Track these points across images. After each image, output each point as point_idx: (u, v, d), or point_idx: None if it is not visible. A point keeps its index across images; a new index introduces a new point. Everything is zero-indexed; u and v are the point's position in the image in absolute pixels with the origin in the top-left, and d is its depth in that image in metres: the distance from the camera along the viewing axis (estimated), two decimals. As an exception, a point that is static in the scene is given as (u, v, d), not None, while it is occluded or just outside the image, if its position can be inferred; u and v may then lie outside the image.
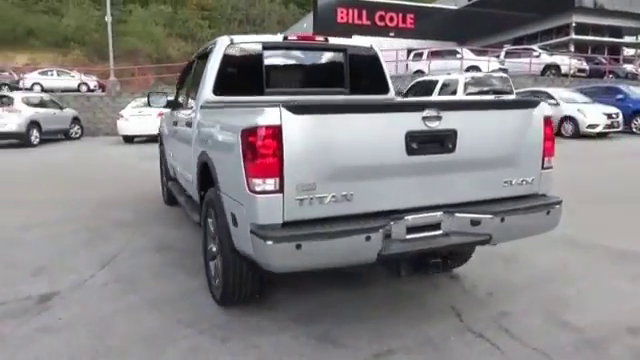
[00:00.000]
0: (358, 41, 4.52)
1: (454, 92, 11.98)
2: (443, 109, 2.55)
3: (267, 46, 3.89)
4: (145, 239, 4.72)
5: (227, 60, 3.74)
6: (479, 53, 22.30)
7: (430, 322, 2.99)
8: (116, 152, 13.43)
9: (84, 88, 22.98)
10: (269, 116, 2.27)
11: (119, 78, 23.69)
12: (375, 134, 2.45)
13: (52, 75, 24.73)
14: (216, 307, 3.18)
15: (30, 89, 21.36)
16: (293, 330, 2.90)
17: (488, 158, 2.74)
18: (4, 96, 14.01)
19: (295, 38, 4.04)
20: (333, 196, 2.39)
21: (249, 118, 2.42)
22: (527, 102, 2.98)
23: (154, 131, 8.62)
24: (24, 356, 2.65)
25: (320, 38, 4.10)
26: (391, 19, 29.93)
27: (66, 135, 16.37)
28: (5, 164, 11.35)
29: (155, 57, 47.77)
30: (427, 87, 13.12)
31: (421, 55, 22.81)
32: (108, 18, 21.82)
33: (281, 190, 2.30)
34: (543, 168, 2.93)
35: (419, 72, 20.80)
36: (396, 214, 2.54)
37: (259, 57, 3.84)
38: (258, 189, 2.30)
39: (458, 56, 21.14)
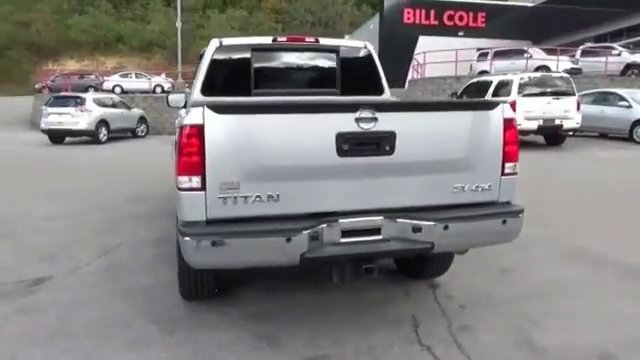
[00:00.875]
0: (352, 41, 4.46)
1: (509, 93, 11.40)
2: (380, 110, 2.47)
3: (256, 48, 3.95)
4: (149, 232, 4.95)
5: (216, 62, 3.84)
6: (550, 52, 20.98)
7: (382, 331, 2.91)
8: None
9: (158, 90, 24.35)
10: (193, 116, 2.32)
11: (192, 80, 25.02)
12: (302, 134, 2.42)
13: (131, 77, 26.45)
14: (181, 301, 3.27)
15: (112, 90, 22.97)
16: (240, 328, 2.94)
17: (433, 162, 2.60)
18: (77, 97, 15.18)
19: (285, 40, 4.06)
20: (258, 196, 2.40)
21: (184, 118, 2.48)
22: (481, 103, 2.81)
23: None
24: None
25: (310, 39, 4.10)
26: (461, 18, 28.96)
27: (133, 133, 17.45)
28: (69, 158, 12.30)
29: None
30: (481, 88, 12.58)
31: (486, 55, 21.88)
32: (178, 24, 23.06)
33: (204, 188, 2.34)
34: (503, 174, 2.74)
35: (484, 72, 19.98)
36: (330, 217, 2.49)
37: (247, 59, 3.91)
38: (183, 186, 2.36)
39: (526, 55, 20.05)
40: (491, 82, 12.39)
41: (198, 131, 2.30)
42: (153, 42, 53.72)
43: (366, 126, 2.44)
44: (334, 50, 4.14)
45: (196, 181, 2.34)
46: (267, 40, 4.03)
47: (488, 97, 11.71)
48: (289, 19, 58.06)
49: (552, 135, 12.41)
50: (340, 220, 2.50)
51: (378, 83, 4.21)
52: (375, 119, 2.45)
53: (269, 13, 58.64)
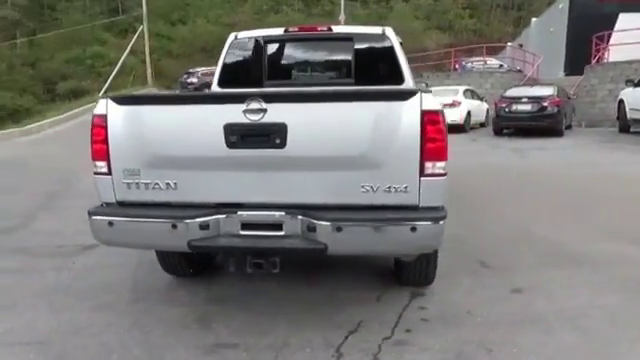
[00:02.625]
0: (370, 28, 4.17)
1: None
2: (269, 101, 2.39)
3: (268, 40, 4.05)
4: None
5: (231, 55, 4.06)
6: None
7: (313, 330, 2.81)
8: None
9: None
10: (99, 107, 2.58)
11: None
12: (192, 125, 2.49)
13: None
14: (161, 283, 3.54)
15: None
16: (191, 307, 3.16)
17: (332, 157, 2.41)
18: None
19: (296, 30, 4.06)
20: (157, 183, 2.56)
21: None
22: (391, 93, 2.45)
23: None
24: (25, 280, 3.64)
25: (323, 28, 4.02)
26: (679, -12, 23.87)
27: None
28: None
29: (411, 50, 49.27)
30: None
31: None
32: (341, 17, 23.76)
33: (110, 173, 2.59)
34: (423, 175, 2.39)
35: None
36: (230, 208, 2.52)
37: (260, 51, 4.03)
38: (96, 170, 2.65)
39: None
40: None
41: (102, 121, 2.55)
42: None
43: (254, 117, 2.39)
44: (348, 38, 3.99)
45: (104, 166, 2.59)
46: (279, 31, 4.09)
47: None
48: (479, 3, 54.89)
49: None
50: (239, 212, 2.51)
51: (397, 71, 3.92)
52: (264, 110, 2.38)
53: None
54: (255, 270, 2.55)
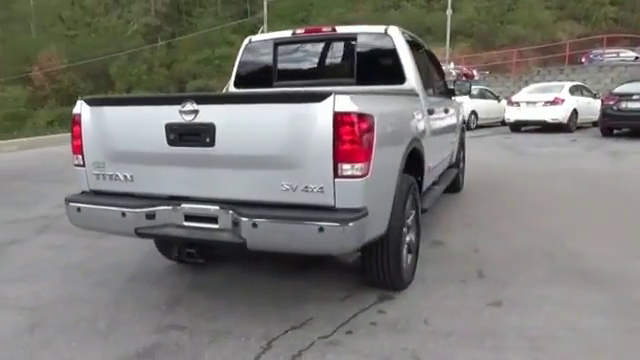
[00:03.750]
0: (373, 27, 4.07)
1: None
2: (200, 102, 2.56)
3: (278, 42, 4.20)
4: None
5: (245, 57, 4.30)
6: None
7: (258, 323, 2.90)
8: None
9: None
10: (76, 107, 2.95)
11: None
12: (142, 124, 2.74)
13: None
14: (161, 267, 3.87)
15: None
16: (170, 290, 3.44)
17: (254, 156, 2.52)
18: None
19: (303, 32, 4.15)
20: (116, 175, 2.88)
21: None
22: (306, 95, 2.44)
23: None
24: (59, 255, 4.21)
25: (327, 29, 4.06)
26: None
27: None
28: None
29: (539, 42, 46.04)
30: None
31: None
32: (449, 12, 22.97)
33: (84, 165, 2.96)
34: (337, 176, 2.39)
35: None
36: (178, 200, 2.75)
37: (270, 53, 4.21)
38: (74, 162, 3.03)
39: None
40: None
41: (77, 119, 2.92)
42: (458, 30, 54.12)
43: (188, 118, 2.59)
44: (352, 38, 3.99)
45: (80, 159, 2.97)
46: (288, 34, 4.21)
47: None
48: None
49: None
50: (183, 205, 2.73)
51: (398, 71, 3.84)
52: (196, 111, 2.56)
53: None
54: (189, 259, 2.76)
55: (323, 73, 4.18)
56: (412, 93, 3.81)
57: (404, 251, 3.15)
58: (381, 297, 3.23)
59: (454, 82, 5.66)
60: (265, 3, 38.40)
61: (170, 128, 2.64)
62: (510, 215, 5.30)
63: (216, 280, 3.62)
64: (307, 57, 4.27)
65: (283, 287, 3.45)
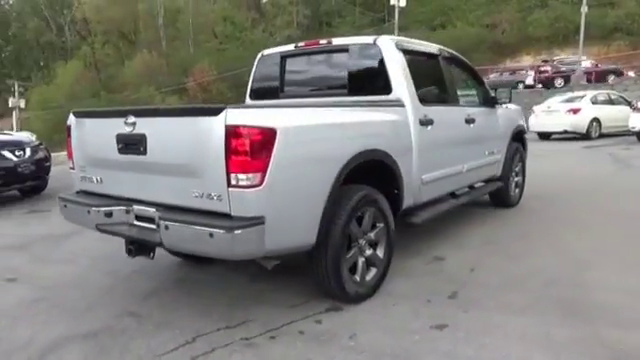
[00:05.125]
0: (363, 38, 3.98)
1: None
2: (137, 116, 2.90)
3: (284, 55, 4.41)
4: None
5: (258, 70, 4.60)
6: None
7: (200, 320, 3.14)
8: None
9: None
10: (69, 118, 3.48)
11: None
12: (103, 134, 3.15)
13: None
14: (166, 261, 4.27)
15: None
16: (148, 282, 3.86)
17: (172, 165, 2.78)
18: None
19: (303, 45, 4.28)
20: (92, 178, 3.35)
21: None
22: (206, 109, 2.56)
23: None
24: (104, 244, 4.83)
25: (323, 41, 4.15)
26: None
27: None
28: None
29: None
30: None
31: None
32: (583, 9, 20.60)
33: (74, 168, 3.50)
34: (230, 186, 2.53)
35: None
36: (130, 202, 3.14)
37: (277, 66, 4.44)
38: (69, 166, 3.58)
39: None
40: None
41: (69, 129, 3.46)
42: (617, 27, 48.38)
43: (128, 129, 2.94)
44: (344, 50, 4.02)
45: (71, 163, 3.51)
46: (291, 47, 4.37)
47: None
48: None
49: None
50: (134, 206, 3.10)
51: (385, 81, 3.78)
52: (134, 123, 2.91)
53: None
54: (138, 254, 3.12)
55: (320, 84, 4.28)
56: (398, 104, 3.73)
57: (344, 264, 3.13)
58: (330, 308, 3.26)
59: (495, 90, 5.28)
60: (397, 10, 38.40)
61: (118, 138, 3.03)
62: (545, 234, 4.79)
63: (199, 277, 3.94)
64: (307, 69, 4.40)
65: (251, 289, 3.65)
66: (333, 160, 2.96)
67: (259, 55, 4.62)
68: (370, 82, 3.89)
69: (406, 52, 3.95)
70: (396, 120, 3.63)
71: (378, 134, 3.41)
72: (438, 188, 4.20)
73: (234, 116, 2.51)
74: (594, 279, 3.63)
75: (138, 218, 3.07)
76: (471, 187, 5.36)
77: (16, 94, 40.91)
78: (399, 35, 37.50)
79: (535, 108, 14.69)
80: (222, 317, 3.17)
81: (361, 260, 3.32)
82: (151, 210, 2.97)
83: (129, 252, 3.18)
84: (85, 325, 3.13)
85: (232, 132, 2.50)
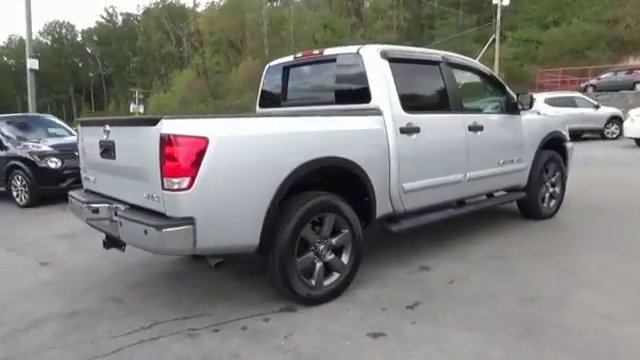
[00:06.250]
0: (348, 48, 3.98)
1: None
2: (110, 125, 3.28)
3: (285, 66, 4.61)
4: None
5: (266, 80, 4.86)
6: None
7: (164, 310, 3.44)
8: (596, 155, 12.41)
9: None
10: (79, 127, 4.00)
11: None
12: (92, 140, 3.58)
13: None
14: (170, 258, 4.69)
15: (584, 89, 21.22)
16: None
17: (131, 168, 3.12)
18: None
19: (301, 55, 4.44)
20: (88, 178, 3.82)
21: None
22: (149, 120, 2.81)
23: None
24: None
25: (316, 52, 4.27)
26: None
27: (601, 135, 15.96)
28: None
29: None
30: None
31: None
32: None
33: (81, 169, 4.00)
34: (164, 188, 2.80)
35: None
36: (112, 200, 3.55)
37: (280, 75, 4.66)
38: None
39: None
40: None
41: (77, 134, 3.97)
42: None
43: (105, 137, 3.34)
44: (333, 60, 4.11)
45: (81, 164, 4.02)
46: (291, 58, 4.54)
47: None
48: None
49: None
50: (114, 204, 3.50)
51: (365, 90, 3.82)
52: (108, 132, 3.30)
53: None
54: (108, 247, 3.50)
55: (314, 93, 4.40)
56: (375, 112, 3.76)
57: (293, 267, 3.23)
58: (285, 308, 3.38)
59: (518, 95, 5.00)
60: (499, 9, 36.70)
61: (99, 144, 3.44)
62: (560, 252, 4.45)
63: (188, 272, 4.25)
64: (304, 79, 4.54)
65: (227, 286, 3.87)
66: (276, 168, 3.08)
67: (267, 66, 4.86)
68: (353, 91, 3.95)
69: (395, 60, 3.95)
70: (368, 129, 3.66)
71: (339, 142, 3.45)
72: (427, 197, 4.11)
73: (168, 126, 2.77)
74: (581, 301, 3.36)
75: (116, 215, 3.45)
76: (489, 195, 5.15)
77: (136, 100, 45.46)
78: (505, 34, 35.60)
79: (631, 112, 13.24)
80: (186, 309, 3.44)
81: (319, 264, 3.41)
82: (123, 208, 3.32)
83: (104, 244, 3.59)
84: (73, 306, 3.58)
85: (165, 140, 2.76)
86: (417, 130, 3.91)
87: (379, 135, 3.71)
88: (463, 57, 4.81)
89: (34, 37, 21.60)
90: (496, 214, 5.81)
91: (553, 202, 5.60)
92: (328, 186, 3.50)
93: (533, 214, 5.42)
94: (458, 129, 4.32)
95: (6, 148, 7.86)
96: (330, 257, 3.46)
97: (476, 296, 3.51)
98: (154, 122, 2.84)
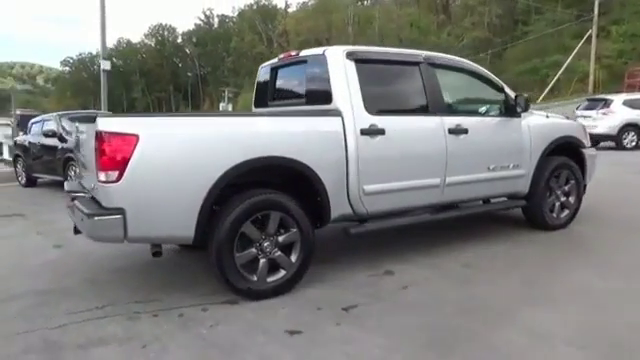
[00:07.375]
0: (316, 50, 3.98)
1: None
2: (81, 122, 3.65)
3: (273, 67, 4.76)
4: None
5: (259, 80, 5.05)
6: None
7: (139, 292, 3.76)
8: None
9: None
10: None
11: None
12: (74, 136, 3.98)
13: None
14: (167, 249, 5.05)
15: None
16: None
17: (87, 162, 3.46)
18: (606, 99, 14.23)
19: (282, 57, 4.55)
20: (76, 170, 4.24)
21: None
22: (91, 117, 3.06)
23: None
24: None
25: (294, 53, 4.37)
26: None
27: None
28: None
29: None
30: None
31: None
32: None
33: None
34: (99, 180, 3.07)
35: None
36: (87, 191, 3.93)
37: (269, 76, 4.83)
38: None
39: None
40: None
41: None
42: None
43: (79, 134, 3.72)
44: (304, 61, 4.18)
45: None
46: (276, 60, 4.66)
47: None
48: None
49: None
50: (85, 195, 3.88)
51: (327, 91, 3.85)
52: (77, 127, 3.67)
53: None
54: (75, 233, 3.86)
55: (291, 94, 4.51)
56: (334, 113, 3.79)
57: (231, 261, 3.36)
58: (227, 301, 3.53)
59: (516, 97, 4.71)
60: (596, 3, 33.99)
61: (74, 139, 3.83)
62: (547, 266, 4.16)
63: (178, 262, 4.55)
64: (285, 80, 4.65)
65: (194, 278, 4.06)
66: (208, 165, 3.24)
67: (260, 67, 5.04)
68: (319, 92, 4.00)
69: (364, 62, 3.95)
70: (321, 130, 3.70)
71: (284, 143, 3.52)
72: (394, 200, 4.06)
73: (102, 123, 3.05)
74: (524, 319, 3.15)
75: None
76: (486, 201, 4.95)
77: (226, 99, 47.78)
78: (608, 28, 32.84)
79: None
80: (146, 294, 3.72)
81: (262, 261, 3.52)
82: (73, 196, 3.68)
83: (74, 230, 3.94)
84: (53, 284, 4.01)
85: (98, 136, 3.04)
86: (382, 132, 3.88)
87: (334, 136, 3.73)
88: (452, 57, 4.65)
89: (139, 39, 23.63)
90: (502, 221, 5.53)
91: (566, 212, 5.22)
92: (288, 185, 3.60)
93: (538, 224, 5.09)
94: (434, 132, 4.20)
95: (66, 141, 8.75)
96: (277, 254, 3.56)
97: (418, 303, 3.44)
98: (94, 119, 3.13)
